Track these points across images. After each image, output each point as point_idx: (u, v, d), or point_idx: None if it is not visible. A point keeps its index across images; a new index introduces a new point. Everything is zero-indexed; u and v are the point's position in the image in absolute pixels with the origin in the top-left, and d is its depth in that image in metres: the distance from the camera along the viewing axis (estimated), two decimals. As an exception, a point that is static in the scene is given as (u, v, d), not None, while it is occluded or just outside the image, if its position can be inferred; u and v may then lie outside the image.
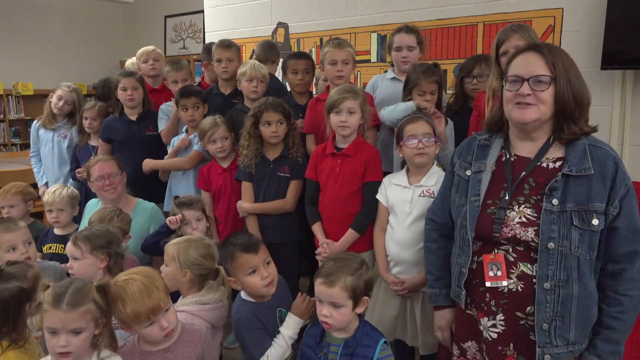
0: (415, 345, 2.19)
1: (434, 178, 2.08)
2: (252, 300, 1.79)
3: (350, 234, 2.28)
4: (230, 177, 2.68)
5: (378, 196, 2.24)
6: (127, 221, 2.35)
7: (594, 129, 1.48)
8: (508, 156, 1.52)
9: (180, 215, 2.41)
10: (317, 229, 2.39)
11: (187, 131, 2.97)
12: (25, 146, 6.97)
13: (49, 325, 1.40)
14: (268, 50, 3.34)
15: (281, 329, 1.76)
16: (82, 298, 1.43)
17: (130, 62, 3.91)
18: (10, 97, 6.92)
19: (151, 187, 3.00)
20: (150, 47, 3.58)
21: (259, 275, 1.74)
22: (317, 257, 2.35)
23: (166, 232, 2.40)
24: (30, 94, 6.90)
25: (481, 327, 1.51)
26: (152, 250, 2.45)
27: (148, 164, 2.97)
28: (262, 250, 1.79)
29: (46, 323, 1.41)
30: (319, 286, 1.57)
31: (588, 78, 2.95)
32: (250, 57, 4.34)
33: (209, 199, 2.72)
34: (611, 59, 2.75)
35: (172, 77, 3.22)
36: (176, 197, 2.51)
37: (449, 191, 1.67)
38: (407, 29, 2.71)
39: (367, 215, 2.27)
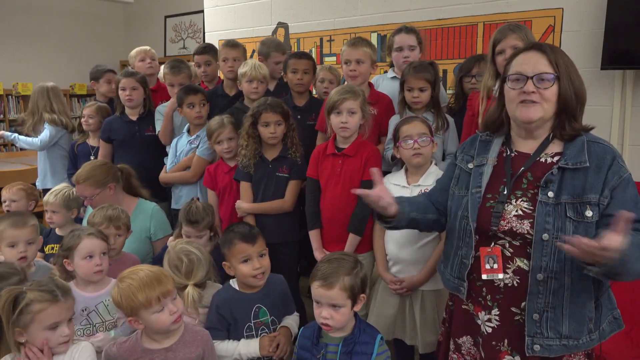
0: (415, 344, 2.19)
1: (432, 177, 2.09)
2: (237, 288, 1.91)
3: (351, 239, 2.29)
4: (236, 177, 2.68)
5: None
6: (124, 220, 2.31)
7: (590, 128, 1.49)
8: (509, 152, 1.54)
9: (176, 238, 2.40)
10: (314, 236, 2.39)
11: (188, 131, 2.97)
12: (25, 146, 6.97)
13: (53, 321, 1.46)
14: (261, 46, 3.33)
15: (241, 342, 1.84)
16: (68, 287, 1.56)
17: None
18: (10, 97, 6.91)
19: (151, 187, 2.99)
20: (146, 47, 3.61)
21: (251, 265, 1.85)
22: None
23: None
24: (30, 94, 6.88)
25: (479, 322, 1.52)
26: None
27: (162, 178, 3.00)
28: (259, 243, 1.90)
29: (48, 321, 1.46)
30: (317, 289, 1.57)
31: (588, 78, 2.97)
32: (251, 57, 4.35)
33: (214, 198, 2.72)
34: (611, 59, 2.75)
35: (169, 80, 3.21)
36: (191, 205, 2.36)
37: (449, 180, 1.66)
38: (407, 29, 2.71)
39: (359, 215, 2.27)
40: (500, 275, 1.45)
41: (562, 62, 1.43)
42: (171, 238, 2.46)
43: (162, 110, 3.15)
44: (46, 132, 3.65)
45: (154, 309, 1.54)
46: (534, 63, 1.43)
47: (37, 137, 3.76)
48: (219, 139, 2.65)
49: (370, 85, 2.70)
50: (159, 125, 3.13)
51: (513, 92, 1.46)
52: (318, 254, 2.35)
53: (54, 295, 1.47)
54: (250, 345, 1.83)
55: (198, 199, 2.46)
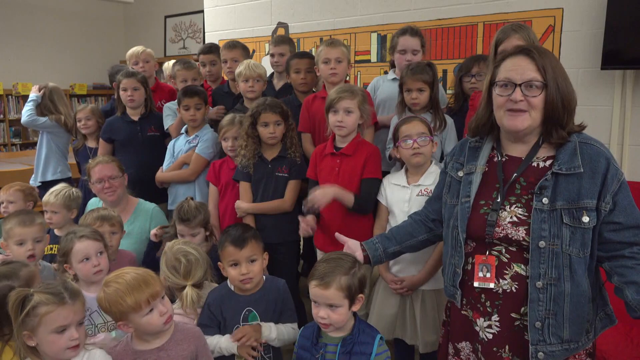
0: (415, 344, 2.19)
1: (432, 177, 2.08)
2: (231, 288, 1.89)
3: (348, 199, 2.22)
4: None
5: (378, 197, 2.25)
6: (117, 218, 2.32)
7: (582, 127, 1.47)
8: (500, 157, 1.52)
9: (160, 229, 2.44)
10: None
11: (187, 131, 2.97)
12: (25, 146, 6.98)
13: (60, 324, 1.42)
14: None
15: (225, 336, 1.83)
16: (78, 290, 1.50)
17: (167, 66, 3.97)
18: (10, 97, 6.91)
19: (153, 188, 3.00)
20: (140, 49, 3.57)
21: (239, 269, 1.83)
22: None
23: (155, 245, 2.44)
24: (30, 94, 6.88)
25: (477, 328, 1.51)
26: (153, 266, 2.44)
27: (158, 177, 2.99)
28: (249, 248, 1.85)
29: (55, 324, 1.41)
30: (314, 289, 1.57)
31: (588, 78, 2.99)
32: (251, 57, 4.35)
33: (216, 194, 2.72)
34: (611, 59, 2.74)
35: (182, 76, 3.23)
36: (183, 203, 2.38)
37: (441, 188, 1.68)
38: (412, 31, 2.66)
39: (359, 206, 2.23)
40: (491, 285, 1.45)
41: (550, 67, 1.40)
42: (153, 231, 2.46)
43: (171, 106, 3.15)
44: (42, 119, 3.64)
45: (144, 312, 1.51)
46: (522, 69, 1.40)
47: (37, 138, 3.80)
48: (225, 135, 2.67)
49: (347, 82, 2.71)
50: (168, 120, 3.13)
51: (501, 98, 1.44)
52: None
53: (61, 298, 1.42)
54: (229, 341, 1.82)
55: (192, 198, 2.47)
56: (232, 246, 1.84)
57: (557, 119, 1.41)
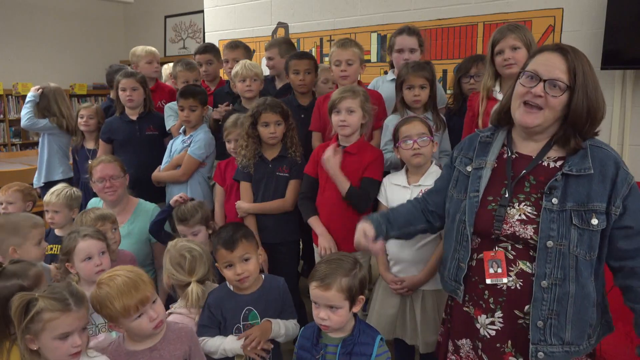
0: (415, 344, 2.19)
1: (432, 177, 2.08)
2: (231, 288, 1.89)
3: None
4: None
5: (378, 197, 2.25)
6: (114, 217, 2.34)
7: (596, 133, 1.47)
8: (510, 154, 1.52)
9: (184, 194, 2.49)
10: (314, 221, 2.35)
11: (184, 132, 2.97)
12: (25, 146, 6.97)
13: (64, 331, 1.40)
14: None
15: (229, 337, 1.82)
16: (83, 295, 1.48)
17: (166, 67, 3.97)
18: (10, 97, 6.91)
19: (152, 187, 3.01)
20: (154, 49, 3.59)
21: (233, 270, 1.83)
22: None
23: (169, 211, 2.48)
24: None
25: (478, 325, 1.51)
26: (157, 234, 2.51)
27: (154, 176, 3.00)
28: (241, 248, 1.84)
29: (59, 330, 1.39)
30: (314, 290, 1.57)
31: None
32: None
33: (222, 194, 2.73)
34: (611, 59, 2.75)
35: (184, 77, 3.23)
36: (181, 204, 2.44)
37: (447, 182, 1.66)
38: (409, 30, 2.67)
39: (352, 199, 2.24)
40: (505, 280, 1.44)
41: (581, 73, 1.38)
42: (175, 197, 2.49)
43: (173, 107, 3.15)
44: (42, 122, 3.62)
45: (132, 317, 1.51)
46: (552, 66, 1.40)
47: (37, 138, 3.80)
48: (228, 137, 2.67)
49: (360, 83, 2.71)
50: (170, 121, 3.14)
51: (522, 88, 1.44)
52: (324, 240, 2.28)
53: (66, 304, 1.40)
54: (234, 343, 1.81)
55: (193, 199, 2.47)
56: (223, 249, 1.84)
57: (579, 127, 1.41)
